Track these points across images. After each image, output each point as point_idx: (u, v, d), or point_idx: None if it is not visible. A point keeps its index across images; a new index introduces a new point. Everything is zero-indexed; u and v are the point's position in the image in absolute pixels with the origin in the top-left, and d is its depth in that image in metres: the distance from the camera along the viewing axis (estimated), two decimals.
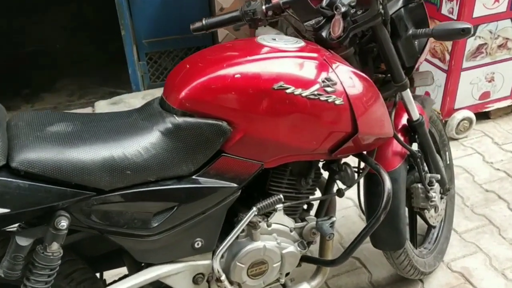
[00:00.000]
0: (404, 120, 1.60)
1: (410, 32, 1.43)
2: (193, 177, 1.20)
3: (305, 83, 1.20)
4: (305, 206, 1.52)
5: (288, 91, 1.18)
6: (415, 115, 1.56)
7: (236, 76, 1.17)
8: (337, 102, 1.23)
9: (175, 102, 1.18)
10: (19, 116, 1.19)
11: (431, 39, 1.47)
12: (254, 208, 1.27)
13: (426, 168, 1.68)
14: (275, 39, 1.30)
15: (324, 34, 1.39)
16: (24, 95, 4.13)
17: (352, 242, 1.43)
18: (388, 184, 1.37)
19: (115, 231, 1.16)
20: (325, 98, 1.22)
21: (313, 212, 1.54)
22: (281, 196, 1.28)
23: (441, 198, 1.78)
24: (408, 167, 1.65)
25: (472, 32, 1.33)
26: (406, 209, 1.71)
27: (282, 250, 1.37)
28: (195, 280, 1.32)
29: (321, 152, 1.31)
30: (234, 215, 1.33)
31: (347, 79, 1.26)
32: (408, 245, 1.67)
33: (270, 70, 1.19)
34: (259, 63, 1.20)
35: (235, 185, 1.25)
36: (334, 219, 1.43)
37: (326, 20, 1.39)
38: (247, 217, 1.27)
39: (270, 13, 1.43)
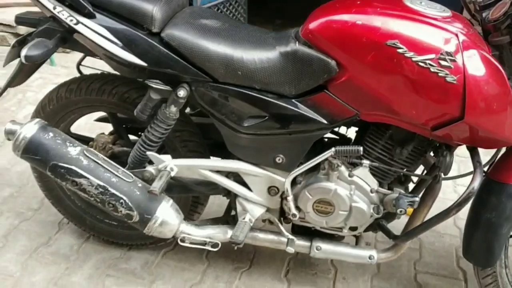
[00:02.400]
0: None
1: None
2: (292, 100, 1.35)
3: (420, 49, 1.19)
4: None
5: (399, 50, 1.20)
6: None
7: (358, 22, 1.24)
8: (448, 79, 1.19)
9: (303, 32, 1.33)
10: (192, 7, 1.51)
11: None
12: (333, 149, 1.35)
13: None
14: (421, 3, 1.30)
15: (484, 14, 1.31)
16: (275, 24, 4.67)
17: (418, 226, 1.38)
18: (474, 184, 1.28)
19: (217, 116, 1.41)
20: (436, 71, 1.19)
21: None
22: (360, 148, 1.32)
23: None
24: None
25: None
26: None
27: (352, 203, 1.43)
28: (269, 190, 1.50)
29: (421, 125, 1.29)
30: None
31: (473, 62, 1.19)
32: (504, 272, 1.49)
33: (390, 26, 1.22)
34: (384, 18, 1.23)
35: (326, 122, 1.35)
36: (416, 199, 1.40)
37: (496, 1, 1.30)
38: (323, 154, 1.36)
39: None
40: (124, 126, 1.71)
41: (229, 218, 1.68)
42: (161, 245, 1.87)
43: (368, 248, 1.58)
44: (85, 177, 1.40)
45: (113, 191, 1.41)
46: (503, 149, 1.42)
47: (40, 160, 1.41)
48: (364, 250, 1.57)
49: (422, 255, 1.91)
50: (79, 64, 1.70)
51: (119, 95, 1.54)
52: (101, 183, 1.41)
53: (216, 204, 2.08)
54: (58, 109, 1.62)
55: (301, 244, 1.58)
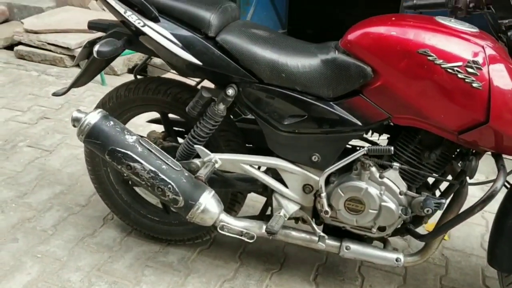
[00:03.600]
0: None
1: None
2: (330, 102, 1.49)
3: (449, 57, 1.32)
4: (429, 185, 1.60)
5: (430, 58, 1.33)
6: None
7: (392, 33, 1.39)
8: (474, 85, 1.31)
9: (342, 42, 1.48)
10: (244, 20, 1.69)
11: None
12: (365, 148, 1.46)
13: None
14: (451, 21, 1.43)
15: (509, 33, 1.43)
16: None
17: (444, 224, 1.46)
18: (497, 184, 1.36)
19: (260, 114, 1.56)
20: (463, 77, 1.31)
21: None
22: (391, 148, 1.43)
23: None
24: None
25: None
26: None
27: (382, 202, 1.52)
28: (304, 188, 1.61)
29: (448, 129, 1.40)
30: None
31: (497, 70, 1.31)
32: None
33: (422, 36, 1.35)
34: (416, 30, 1.37)
35: (360, 124, 1.48)
36: (443, 201, 1.48)
37: None
38: (357, 153, 1.48)
39: (471, 5, 1.53)
40: (173, 127, 1.87)
41: (264, 218, 1.79)
42: (197, 243, 1.99)
43: (395, 251, 1.65)
44: (139, 162, 1.55)
45: (162, 176, 1.56)
46: None
47: (100, 144, 1.57)
48: (391, 253, 1.65)
49: (448, 271, 1.96)
50: (136, 71, 1.90)
51: (173, 95, 1.71)
52: (153, 169, 1.56)
53: (249, 212, 2.20)
54: (116, 106, 1.81)
55: (331, 243, 1.67)
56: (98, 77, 3.51)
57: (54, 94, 1.86)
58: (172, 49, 1.51)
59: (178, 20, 1.54)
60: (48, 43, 3.81)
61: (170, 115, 1.84)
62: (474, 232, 2.16)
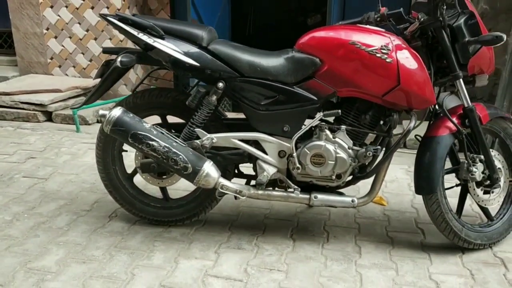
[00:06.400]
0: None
1: (466, 39, 2.07)
2: (292, 85, 2.11)
3: (369, 44, 2.01)
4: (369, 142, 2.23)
5: (357, 46, 2.01)
6: (466, 102, 2.12)
7: (330, 33, 2.07)
8: (387, 60, 1.99)
9: (296, 45, 2.14)
10: (223, 39, 2.31)
11: (492, 47, 2.09)
12: (321, 113, 2.08)
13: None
14: (367, 26, 2.15)
15: (405, 32, 2.16)
16: None
17: (378, 162, 2.09)
18: (411, 124, 2.03)
19: (243, 100, 2.14)
20: (380, 55, 1.99)
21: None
22: (339, 110, 2.06)
23: (490, 182, 2.19)
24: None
25: (504, 40, 1.92)
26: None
27: (337, 154, 2.12)
28: (279, 153, 2.18)
29: (375, 94, 2.05)
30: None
31: (401, 50, 2.01)
32: (444, 201, 2.15)
33: (350, 33, 2.04)
34: (346, 30, 2.07)
35: (315, 98, 2.10)
36: (379, 147, 2.11)
37: (411, 25, 2.17)
38: (315, 118, 2.09)
39: (378, 19, 2.27)
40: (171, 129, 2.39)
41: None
42: (194, 221, 2.44)
43: (350, 196, 2.22)
44: (156, 140, 2.06)
45: (174, 150, 2.06)
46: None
47: (124, 130, 2.06)
48: (347, 197, 2.22)
49: (391, 223, 2.54)
50: (134, 89, 2.43)
51: (173, 97, 2.26)
52: (167, 145, 2.06)
53: (229, 207, 2.69)
54: None
55: (303, 196, 2.21)
56: (74, 126, 3.95)
57: (72, 108, 2.34)
58: (177, 56, 2.09)
59: (178, 37, 2.13)
60: (21, 102, 4.21)
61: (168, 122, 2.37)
62: (406, 199, 2.79)
